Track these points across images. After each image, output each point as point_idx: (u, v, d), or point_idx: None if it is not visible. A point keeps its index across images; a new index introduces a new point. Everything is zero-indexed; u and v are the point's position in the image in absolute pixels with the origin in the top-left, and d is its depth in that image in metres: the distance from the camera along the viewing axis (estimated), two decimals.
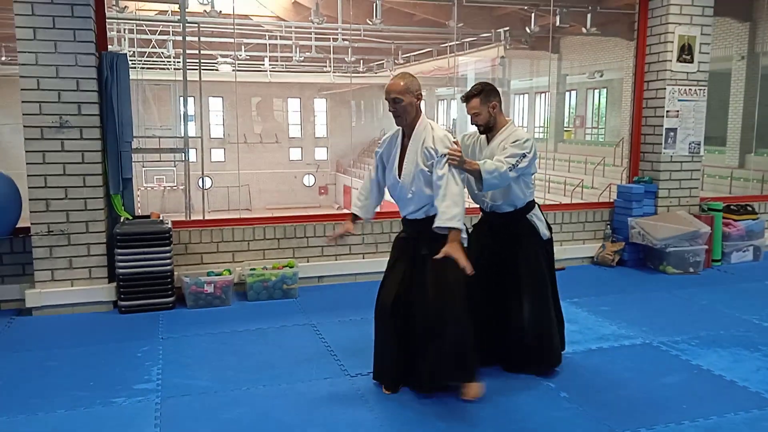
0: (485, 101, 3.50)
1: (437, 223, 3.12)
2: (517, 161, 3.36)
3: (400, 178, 3.30)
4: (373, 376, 3.52)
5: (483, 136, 3.65)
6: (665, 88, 6.07)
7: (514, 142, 3.43)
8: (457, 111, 22.74)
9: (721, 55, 14.18)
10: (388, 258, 3.48)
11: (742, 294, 5.27)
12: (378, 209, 3.69)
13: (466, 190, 3.35)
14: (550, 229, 3.69)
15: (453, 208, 3.11)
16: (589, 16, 14.80)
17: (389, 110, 3.26)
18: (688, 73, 6.12)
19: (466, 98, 3.52)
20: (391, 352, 3.37)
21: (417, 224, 3.34)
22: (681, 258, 5.88)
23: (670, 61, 6.04)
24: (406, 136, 3.33)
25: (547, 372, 3.59)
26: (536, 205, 3.66)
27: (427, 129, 3.26)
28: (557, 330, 3.65)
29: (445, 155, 3.17)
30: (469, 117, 3.57)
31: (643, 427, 3.01)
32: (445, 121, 27.74)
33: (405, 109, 3.22)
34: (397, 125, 3.35)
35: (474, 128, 3.67)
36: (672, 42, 6.01)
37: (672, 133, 6.15)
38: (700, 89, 6.18)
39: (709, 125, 6.43)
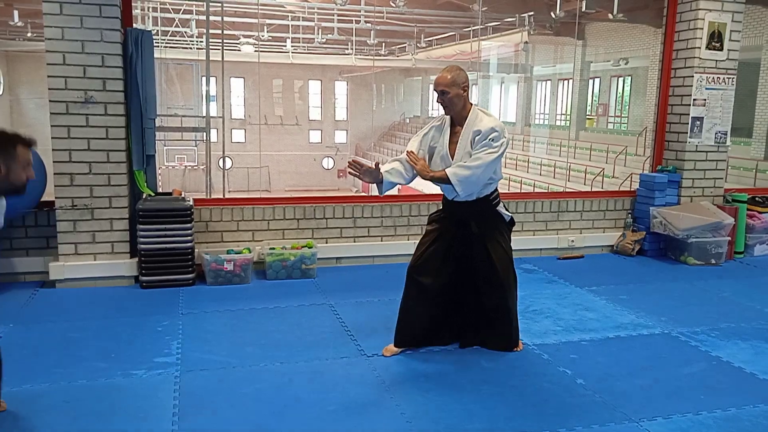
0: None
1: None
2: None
3: (453, 161, 3.44)
4: (395, 341, 3.66)
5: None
6: (693, 76, 5.96)
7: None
8: (479, 96, 22.56)
9: (751, 44, 13.86)
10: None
11: (764, 287, 5.20)
12: (394, 191, 3.75)
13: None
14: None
15: (464, 170, 3.33)
16: (615, 1, 14.55)
17: (437, 101, 3.44)
18: (717, 61, 5.99)
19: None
20: (418, 312, 3.60)
21: (466, 206, 3.50)
22: (703, 249, 5.81)
23: (699, 48, 5.92)
24: (458, 124, 3.48)
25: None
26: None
27: (479, 117, 3.43)
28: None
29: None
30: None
31: (660, 416, 3.00)
32: None
33: (452, 100, 3.40)
34: (446, 114, 3.52)
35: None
36: (702, 29, 5.89)
37: (698, 122, 6.05)
38: (728, 78, 6.06)
39: (735, 116, 6.30)
